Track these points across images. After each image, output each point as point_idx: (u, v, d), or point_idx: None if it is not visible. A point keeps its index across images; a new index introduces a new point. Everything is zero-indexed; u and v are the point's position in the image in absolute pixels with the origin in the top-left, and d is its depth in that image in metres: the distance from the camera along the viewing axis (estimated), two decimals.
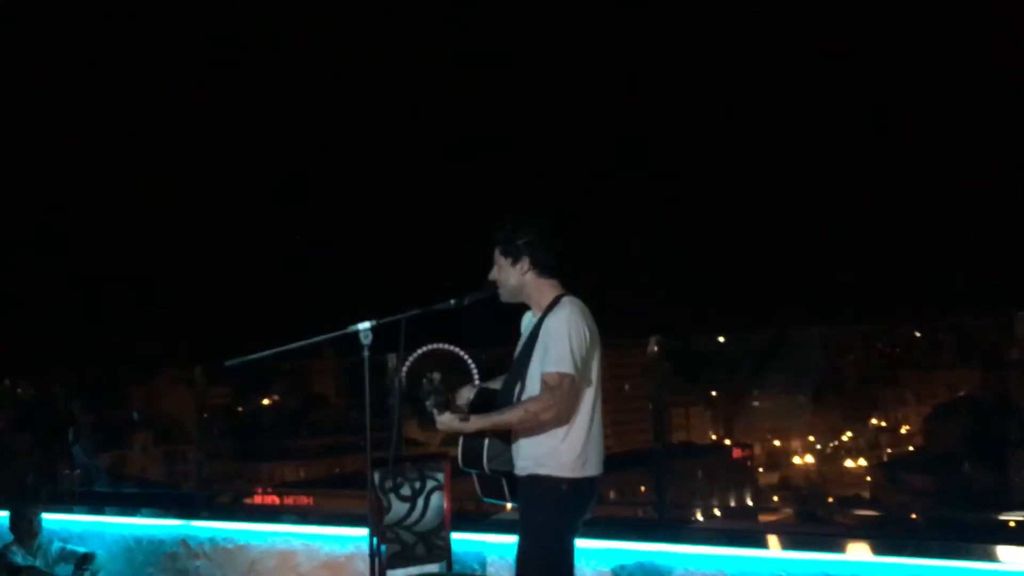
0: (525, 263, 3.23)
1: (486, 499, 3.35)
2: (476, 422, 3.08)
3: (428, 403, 3.03)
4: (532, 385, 3.14)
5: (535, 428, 3.09)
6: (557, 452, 3.07)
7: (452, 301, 3.31)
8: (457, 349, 4.37)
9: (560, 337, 3.07)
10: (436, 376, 3.04)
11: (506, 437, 3.20)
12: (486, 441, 3.19)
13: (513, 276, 3.25)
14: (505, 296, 3.30)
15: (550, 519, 3.10)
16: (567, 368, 3.03)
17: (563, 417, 3.06)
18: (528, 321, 3.35)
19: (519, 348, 3.30)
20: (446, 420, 3.06)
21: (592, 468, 3.12)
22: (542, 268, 3.24)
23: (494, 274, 3.30)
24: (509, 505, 4.98)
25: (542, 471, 3.08)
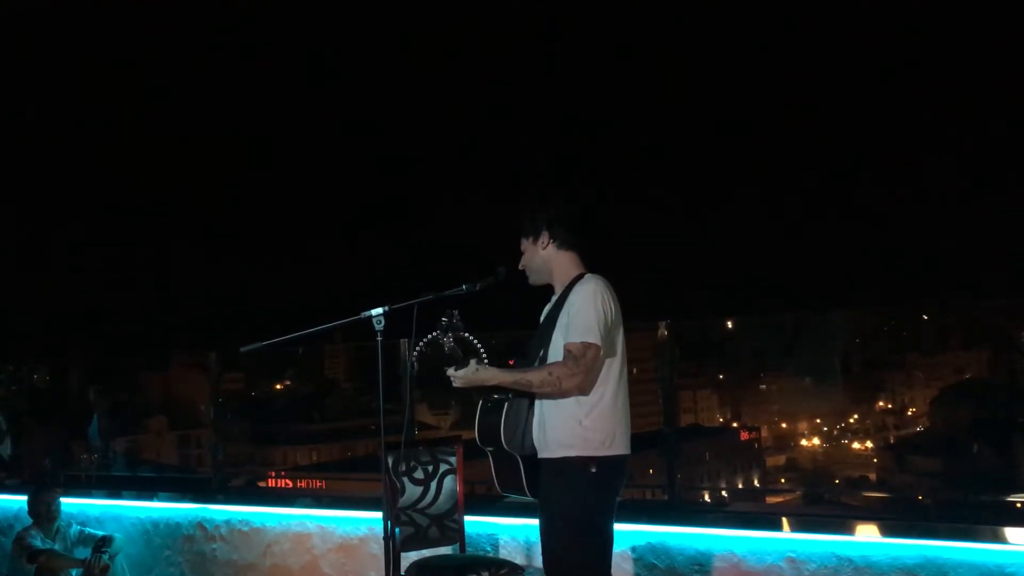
0: (545, 237, 3.24)
1: (504, 493, 3.28)
2: (497, 373, 3.03)
3: (446, 339, 3.00)
4: (554, 356, 3.11)
5: (555, 405, 3.06)
6: (583, 431, 3.02)
7: (464, 286, 3.35)
8: (467, 334, 4.40)
9: (586, 308, 3.05)
10: (455, 313, 3.01)
11: (523, 413, 3.16)
12: (503, 417, 3.15)
13: (536, 254, 3.27)
14: (532, 278, 3.31)
15: (582, 502, 3.03)
16: (593, 338, 2.99)
17: (585, 388, 3.01)
18: (548, 309, 3.35)
19: (542, 321, 3.28)
20: (462, 374, 3.00)
21: (620, 446, 3.08)
22: (562, 241, 3.23)
23: (523, 262, 3.31)
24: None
25: (570, 453, 3.02)
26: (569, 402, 3.04)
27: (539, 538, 3.25)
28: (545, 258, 3.26)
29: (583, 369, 2.98)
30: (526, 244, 3.29)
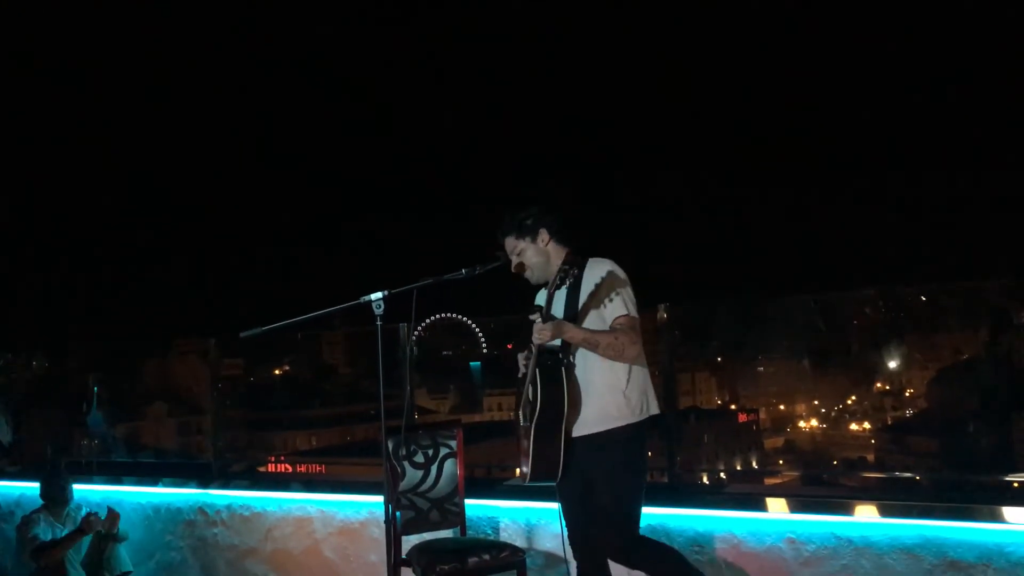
0: (544, 235, 3.36)
1: (532, 482, 3.23)
2: (572, 327, 3.16)
3: (569, 278, 3.10)
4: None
5: (598, 379, 3.19)
6: (626, 399, 3.20)
7: (463, 271, 3.38)
8: (466, 318, 4.39)
9: (615, 286, 3.21)
10: (578, 259, 3.13)
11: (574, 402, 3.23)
12: (565, 386, 3.19)
13: (536, 253, 3.37)
14: (536, 276, 3.40)
15: (634, 467, 3.22)
16: (633, 311, 3.21)
17: (639, 358, 3.22)
18: (544, 296, 3.38)
19: (557, 311, 3.28)
20: (551, 326, 3.10)
21: (655, 407, 3.29)
22: (560, 236, 3.38)
23: (522, 262, 3.39)
24: (518, 470, 5.05)
25: (618, 423, 3.18)
26: (608, 375, 3.19)
27: (560, 519, 3.35)
28: (547, 254, 3.37)
29: (639, 339, 3.18)
30: (522, 245, 3.38)
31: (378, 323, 3.31)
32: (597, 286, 3.22)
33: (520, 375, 3.34)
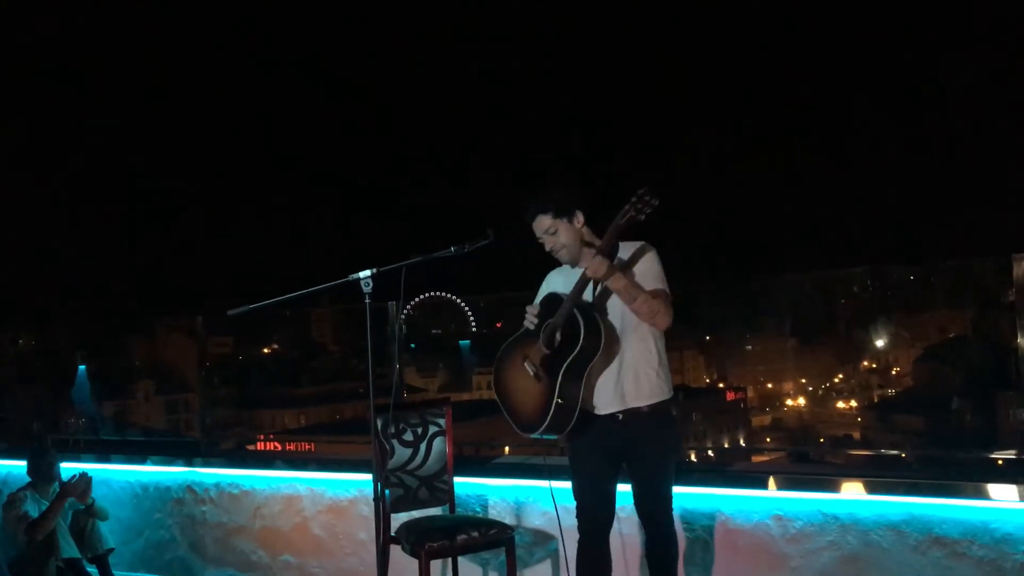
0: (580, 216, 3.36)
1: (545, 435, 3.25)
2: (619, 274, 3.17)
3: (643, 208, 3.06)
4: (616, 312, 3.29)
5: (641, 357, 3.27)
6: (660, 378, 3.30)
7: (452, 248, 3.36)
8: (455, 297, 4.37)
9: (649, 262, 3.28)
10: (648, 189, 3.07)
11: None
12: (603, 338, 3.20)
13: (572, 233, 3.36)
14: (569, 256, 3.38)
15: (669, 444, 3.35)
16: (668, 289, 3.28)
17: (665, 329, 3.29)
18: (564, 279, 3.42)
19: (586, 292, 3.29)
20: (607, 262, 3.13)
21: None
22: (588, 218, 3.40)
23: (557, 242, 3.36)
24: (507, 449, 5.06)
25: (651, 400, 3.28)
26: (641, 352, 3.28)
27: (552, 496, 3.46)
28: (581, 236, 3.38)
29: (672, 314, 3.24)
30: (559, 225, 3.34)
31: (367, 301, 3.30)
32: (631, 261, 3.27)
33: (534, 326, 3.32)
